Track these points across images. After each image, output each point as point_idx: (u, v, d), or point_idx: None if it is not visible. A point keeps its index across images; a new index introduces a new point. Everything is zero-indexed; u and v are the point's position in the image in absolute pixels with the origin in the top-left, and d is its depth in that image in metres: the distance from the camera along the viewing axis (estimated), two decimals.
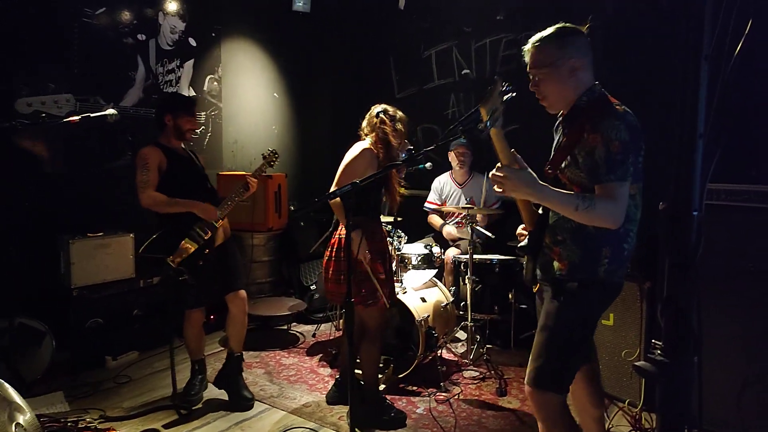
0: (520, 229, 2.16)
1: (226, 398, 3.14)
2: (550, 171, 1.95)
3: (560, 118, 2.06)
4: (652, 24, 3.43)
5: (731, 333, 2.59)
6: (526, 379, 1.95)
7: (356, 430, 2.07)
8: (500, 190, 1.79)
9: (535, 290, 2.18)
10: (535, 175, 1.78)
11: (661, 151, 1.90)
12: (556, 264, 1.94)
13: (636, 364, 1.39)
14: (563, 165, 1.90)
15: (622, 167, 1.73)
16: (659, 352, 1.35)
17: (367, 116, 2.96)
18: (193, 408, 3.05)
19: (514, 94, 1.86)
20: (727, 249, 2.58)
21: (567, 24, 1.92)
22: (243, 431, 2.85)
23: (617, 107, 1.83)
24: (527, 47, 1.94)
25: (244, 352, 3.24)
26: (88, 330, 3.55)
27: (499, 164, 1.81)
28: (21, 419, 2.11)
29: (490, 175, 1.83)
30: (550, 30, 1.91)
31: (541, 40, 1.91)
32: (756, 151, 2.96)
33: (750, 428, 2.51)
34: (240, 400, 3.09)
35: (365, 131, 2.95)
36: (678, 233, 1.33)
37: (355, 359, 2.00)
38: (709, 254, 1.48)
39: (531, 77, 1.95)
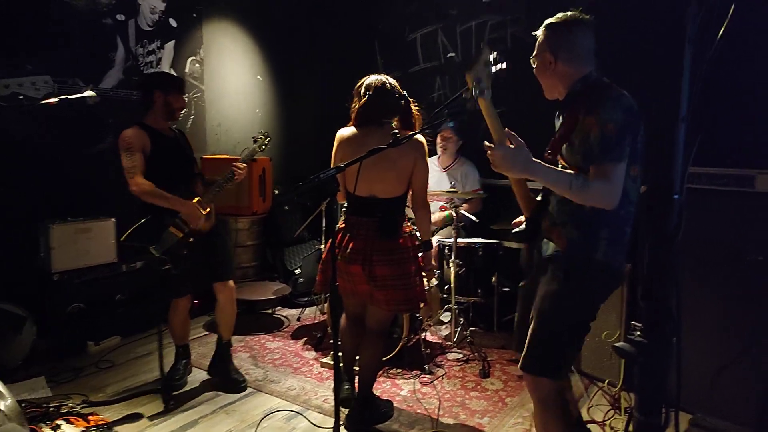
0: (517, 220, 2.16)
1: (211, 383, 3.14)
2: (549, 156, 1.95)
3: (558, 107, 2.07)
4: (636, 6, 3.44)
5: (709, 315, 2.65)
6: (520, 364, 1.93)
7: (341, 410, 2.08)
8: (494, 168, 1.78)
9: (521, 284, 2.20)
10: (528, 152, 1.75)
11: (645, 133, 1.91)
12: (554, 244, 1.92)
13: (616, 344, 1.42)
14: (563, 149, 1.90)
15: (617, 148, 1.73)
16: (639, 333, 1.37)
17: (382, 94, 2.52)
18: (178, 392, 3.05)
19: (503, 66, 1.84)
20: (706, 232, 2.62)
21: (567, 13, 1.91)
22: (228, 415, 2.85)
23: (613, 90, 1.82)
24: None
25: None
26: (70, 315, 3.51)
27: (487, 142, 1.79)
28: (2, 405, 2.09)
29: (487, 151, 1.80)
30: (548, 20, 1.95)
31: (541, 29, 1.96)
32: (736, 135, 2.99)
33: (724, 409, 2.58)
34: (231, 384, 3.10)
35: (383, 115, 2.55)
36: (659, 216, 1.35)
37: (338, 339, 1.97)
38: (689, 238, 1.50)
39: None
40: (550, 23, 1.93)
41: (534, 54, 1.98)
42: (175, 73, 4.53)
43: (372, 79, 2.59)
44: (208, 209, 2.96)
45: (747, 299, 2.55)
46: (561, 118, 2.01)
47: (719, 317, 2.63)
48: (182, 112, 3.08)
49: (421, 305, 2.73)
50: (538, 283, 1.98)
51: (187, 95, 4.63)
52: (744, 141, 3.00)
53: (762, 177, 2.53)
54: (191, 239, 2.91)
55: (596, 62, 1.93)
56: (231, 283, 3.14)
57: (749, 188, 2.57)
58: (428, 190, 4.15)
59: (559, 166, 1.91)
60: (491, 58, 1.76)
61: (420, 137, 2.54)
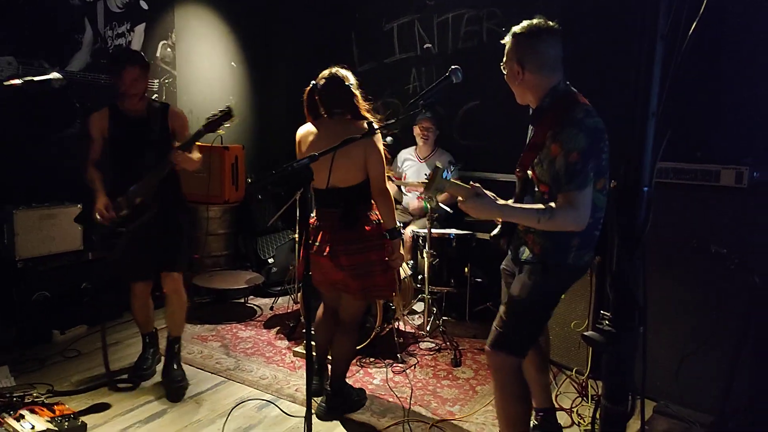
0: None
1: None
2: (519, 173, 2.03)
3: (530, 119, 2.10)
4: (610, 2, 3.49)
5: (673, 306, 2.73)
6: (488, 340, 2.05)
7: (313, 400, 2.08)
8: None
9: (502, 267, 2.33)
10: (492, 198, 1.87)
11: (613, 129, 1.95)
12: (528, 248, 2.03)
13: (585, 333, 1.45)
14: (533, 163, 1.95)
15: (581, 176, 1.80)
16: (607, 322, 1.41)
17: (332, 89, 2.56)
18: (147, 381, 3.01)
19: (453, 170, 1.97)
20: (672, 225, 2.70)
21: (533, 22, 1.93)
22: (199, 404, 2.83)
23: (578, 110, 1.85)
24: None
25: (199, 325, 3.19)
26: (34, 303, 3.42)
27: (460, 198, 1.87)
28: None
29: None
30: (514, 28, 1.97)
31: (508, 36, 1.98)
32: (702, 130, 3.07)
33: (687, 397, 2.67)
34: (168, 384, 2.92)
35: (336, 107, 2.56)
36: (628, 209, 1.38)
37: (311, 329, 1.98)
38: (656, 230, 1.54)
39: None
40: (517, 33, 1.95)
41: (503, 61, 2.02)
42: None
43: (323, 72, 2.61)
44: (139, 200, 2.79)
45: (710, 290, 2.63)
46: (532, 130, 2.06)
47: (683, 307, 2.71)
48: (138, 88, 2.84)
49: (394, 294, 2.74)
50: (510, 274, 2.16)
51: (157, 80, 4.55)
52: (709, 137, 3.08)
53: (726, 172, 2.61)
54: (121, 228, 2.79)
55: (575, 58, 1.95)
56: (176, 274, 2.95)
57: (714, 182, 2.64)
58: (407, 180, 4.11)
59: (532, 179, 2.00)
60: (443, 173, 1.84)
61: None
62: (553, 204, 1.85)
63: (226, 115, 2.69)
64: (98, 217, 2.77)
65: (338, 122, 2.55)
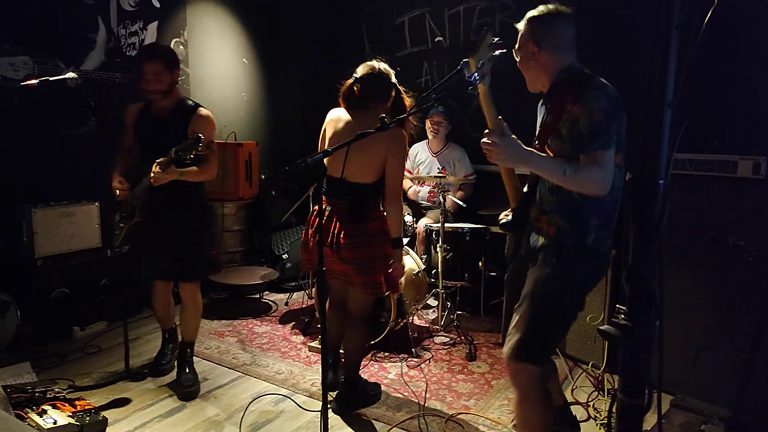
0: (503, 214, 2.17)
1: (199, 367, 3.13)
2: (537, 146, 1.95)
3: (543, 98, 2.08)
4: None
5: (690, 299, 2.70)
6: (506, 349, 1.94)
7: (329, 395, 2.10)
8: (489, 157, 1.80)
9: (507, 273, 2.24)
10: (521, 143, 1.78)
11: (629, 120, 1.93)
12: (543, 232, 1.94)
13: (600, 327, 1.44)
14: (549, 140, 1.91)
15: (605, 135, 1.76)
16: (623, 316, 1.39)
17: (375, 84, 2.52)
18: (166, 377, 3.05)
19: (504, 51, 1.87)
20: (689, 217, 2.66)
21: (549, 6, 1.93)
22: (216, 399, 2.86)
23: (597, 79, 1.85)
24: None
25: (216, 321, 3.21)
26: (54, 300, 3.48)
27: (487, 130, 1.80)
28: None
29: (482, 141, 1.81)
30: (529, 13, 1.95)
31: (523, 22, 1.97)
32: (718, 121, 3.03)
33: (704, 390, 2.64)
34: (178, 388, 2.90)
35: (373, 102, 2.53)
36: (644, 202, 1.36)
37: (326, 324, 1.99)
38: (672, 222, 1.53)
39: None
40: (533, 16, 1.95)
41: (517, 46, 2.00)
42: None
43: (366, 63, 2.59)
44: (137, 202, 2.76)
45: (727, 283, 2.60)
46: (545, 108, 2.02)
47: (700, 300, 2.68)
48: (161, 84, 2.72)
49: (387, 293, 2.75)
50: (525, 271, 2.00)
51: None
52: (726, 127, 3.04)
53: (743, 162, 2.57)
54: (136, 220, 2.77)
55: (580, 51, 1.94)
56: (193, 284, 2.95)
57: (731, 173, 2.60)
58: (419, 174, 4.07)
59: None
60: (493, 41, 1.77)
61: (402, 131, 2.52)
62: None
63: (194, 143, 2.52)
64: (116, 192, 2.78)
65: (370, 117, 2.45)
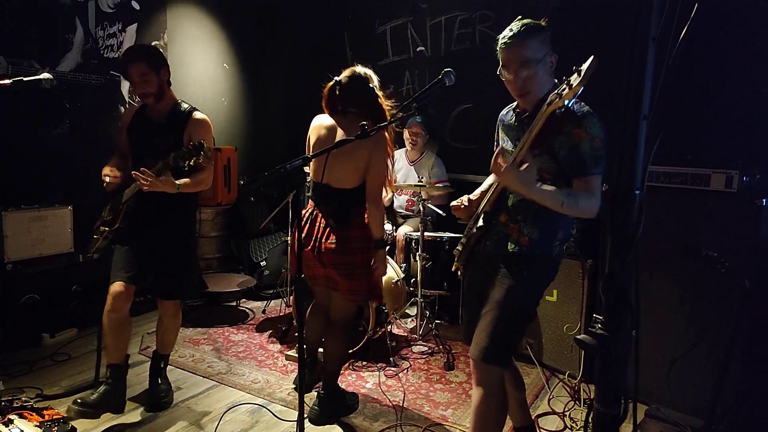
0: (455, 202, 2.18)
1: (173, 376, 3.07)
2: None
3: (514, 113, 2.06)
4: (601, 4, 3.51)
5: (664, 309, 2.74)
6: (473, 351, 1.98)
7: (305, 403, 2.07)
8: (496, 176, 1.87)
9: (459, 274, 2.30)
10: (532, 175, 1.79)
11: (606, 132, 1.95)
12: (513, 240, 1.99)
13: (577, 337, 1.44)
14: (534, 154, 1.90)
15: (603, 162, 1.83)
16: (600, 326, 1.40)
17: (354, 88, 2.51)
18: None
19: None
20: (664, 229, 2.71)
21: (532, 21, 1.89)
22: (189, 409, 2.80)
23: (588, 108, 1.87)
24: (506, 42, 1.88)
25: (191, 329, 3.16)
26: (24, 306, 3.39)
27: (502, 148, 1.85)
28: None
29: (495, 160, 1.84)
30: (521, 26, 1.86)
31: (525, 35, 1.85)
32: (691, 134, 3.09)
33: (677, 401, 2.68)
34: (151, 399, 2.81)
35: (353, 106, 2.52)
36: (620, 212, 1.38)
37: (303, 331, 1.98)
38: (647, 234, 1.55)
39: (512, 74, 1.89)
40: (536, 28, 1.86)
41: (539, 58, 1.86)
42: None
43: (349, 68, 2.58)
44: (122, 207, 2.63)
45: (700, 294, 2.64)
46: (525, 123, 1.96)
47: (674, 311, 2.72)
48: (149, 86, 2.60)
49: (375, 300, 2.76)
50: (485, 275, 2.04)
51: None
52: (700, 141, 3.10)
53: (716, 176, 2.63)
54: (117, 226, 2.62)
55: (561, 63, 1.94)
56: (170, 303, 2.79)
57: (704, 186, 2.66)
58: (396, 183, 4.10)
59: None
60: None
61: (385, 134, 2.52)
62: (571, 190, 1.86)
63: (195, 150, 2.43)
64: (105, 180, 2.58)
65: (351, 121, 2.48)
